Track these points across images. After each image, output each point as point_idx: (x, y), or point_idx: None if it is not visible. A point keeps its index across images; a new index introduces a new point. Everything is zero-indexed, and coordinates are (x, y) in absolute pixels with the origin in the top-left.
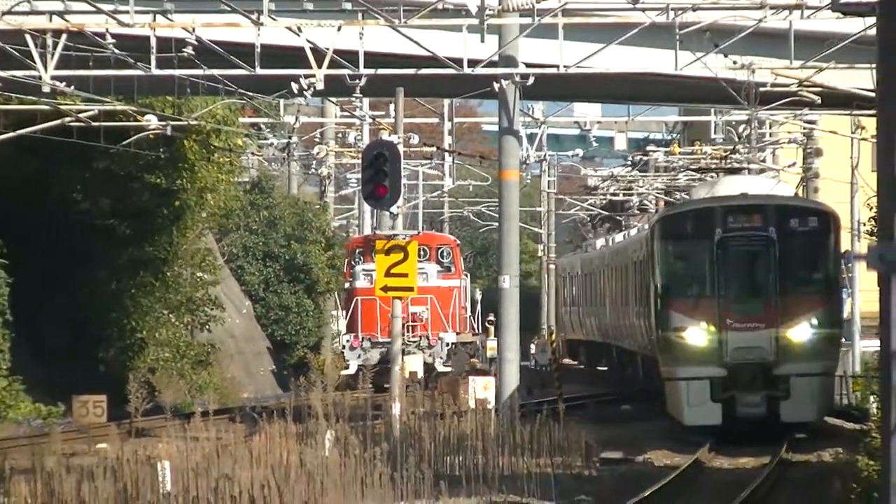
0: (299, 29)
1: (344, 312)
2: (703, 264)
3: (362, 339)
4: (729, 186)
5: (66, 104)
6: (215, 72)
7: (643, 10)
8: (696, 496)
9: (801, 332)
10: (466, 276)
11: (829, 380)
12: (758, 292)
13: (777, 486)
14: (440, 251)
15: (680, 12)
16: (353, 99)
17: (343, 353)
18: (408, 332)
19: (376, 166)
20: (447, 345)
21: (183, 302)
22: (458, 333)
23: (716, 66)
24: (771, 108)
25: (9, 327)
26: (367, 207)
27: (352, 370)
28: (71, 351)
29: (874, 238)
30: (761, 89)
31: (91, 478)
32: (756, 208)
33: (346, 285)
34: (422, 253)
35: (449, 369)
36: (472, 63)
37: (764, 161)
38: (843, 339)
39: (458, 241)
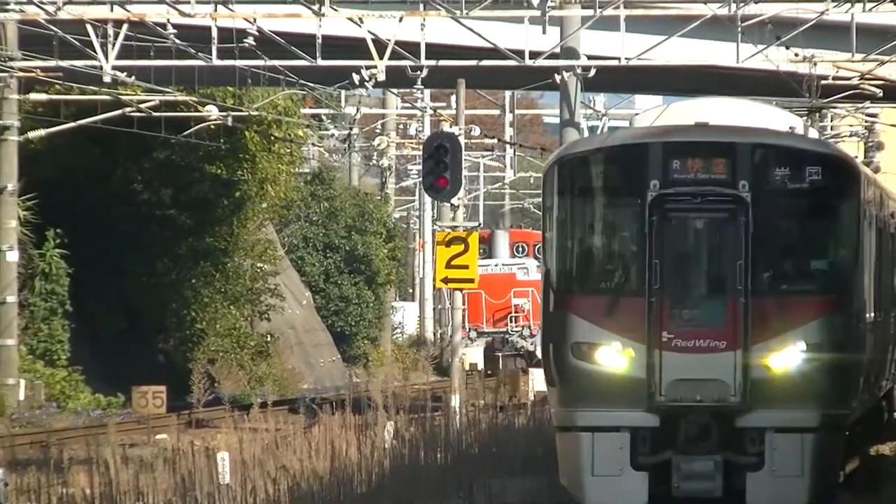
0: (360, 20)
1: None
2: (627, 240)
3: (469, 329)
4: (683, 112)
5: (127, 94)
6: (276, 62)
7: (705, 2)
8: None
9: (788, 356)
10: None
11: (833, 439)
12: (717, 289)
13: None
14: (537, 247)
15: (742, 4)
16: (415, 90)
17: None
18: (512, 322)
19: (437, 158)
20: None
21: (243, 293)
22: None
23: (777, 58)
24: (832, 101)
25: (69, 317)
26: (427, 199)
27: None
28: (130, 341)
29: None
30: (822, 82)
31: (150, 468)
32: (719, 148)
33: None
34: (520, 249)
35: None
36: (534, 55)
37: None
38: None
39: None
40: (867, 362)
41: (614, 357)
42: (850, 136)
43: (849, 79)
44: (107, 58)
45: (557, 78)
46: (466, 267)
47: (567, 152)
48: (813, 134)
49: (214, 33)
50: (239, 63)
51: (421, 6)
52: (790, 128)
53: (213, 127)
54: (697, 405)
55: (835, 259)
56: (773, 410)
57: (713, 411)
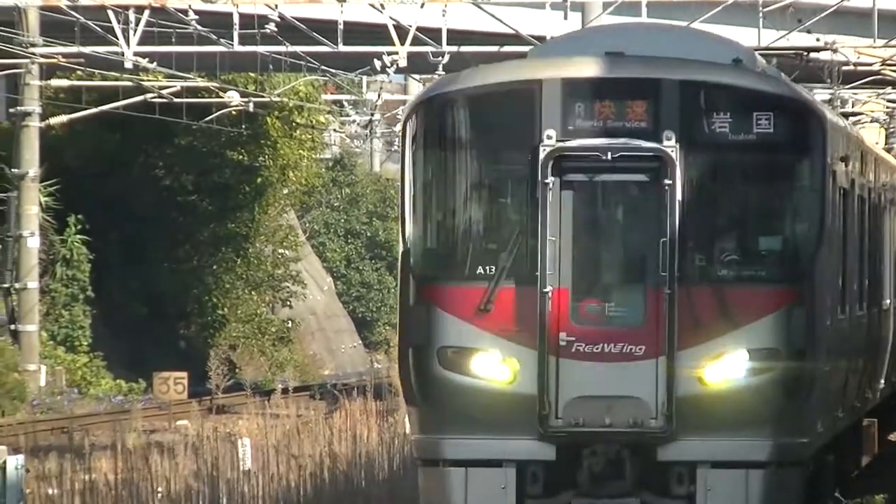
0: (382, 6)
1: None
2: (513, 210)
3: None
4: (594, 40)
5: (149, 80)
6: (298, 48)
7: None
8: None
9: (728, 366)
10: None
11: (789, 476)
12: (633, 276)
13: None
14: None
15: None
16: (436, 76)
17: None
18: None
19: None
20: None
21: (264, 279)
22: None
23: (799, 44)
24: (853, 86)
25: (90, 303)
26: None
27: None
28: (151, 327)
29: None
30: (844, 68)
31: (171, 454)
32: (637, 86)
33: None
34: None
35: None
36: None
37: None
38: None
39: None
40: (841, 370)
41: (495, 367)
42: (871, 121)
43: (870, 64)
44: (128, 44)
45: None
46: None
47: (433, 92)
48: (771, 71)
49: (236, 19)
50: (260, 49)
51: None
52: (734, 60)
53: (234, 113)
54: (606, 431)
55: (792, 236)
56: (707, 438)
57: (627, 439)
